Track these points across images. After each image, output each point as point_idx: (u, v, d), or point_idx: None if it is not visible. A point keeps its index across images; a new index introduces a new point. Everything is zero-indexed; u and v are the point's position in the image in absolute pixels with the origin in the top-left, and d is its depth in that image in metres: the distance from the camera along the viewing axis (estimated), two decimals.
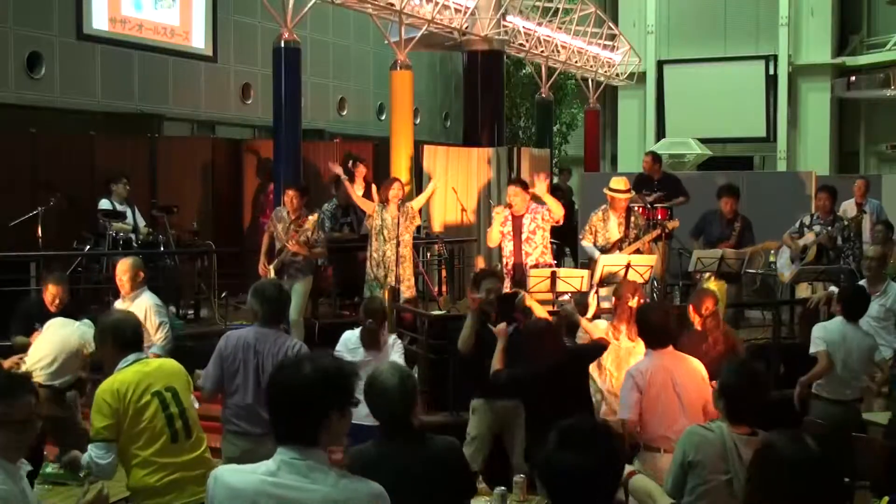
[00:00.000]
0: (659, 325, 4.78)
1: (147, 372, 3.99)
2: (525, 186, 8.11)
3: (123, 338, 4.06)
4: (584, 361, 5.42)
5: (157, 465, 3.90)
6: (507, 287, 7.78)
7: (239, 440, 4.70)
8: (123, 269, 6.04)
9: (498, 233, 8.02)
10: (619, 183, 8.42)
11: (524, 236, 7.90)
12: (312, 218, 8.19)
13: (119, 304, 6.11)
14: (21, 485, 3.12)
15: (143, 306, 5.92)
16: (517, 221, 7.94)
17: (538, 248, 7.91)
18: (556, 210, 7.94)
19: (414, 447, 3.33)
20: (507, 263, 8.03)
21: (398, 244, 8.38)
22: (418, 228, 9.62)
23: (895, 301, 6.52)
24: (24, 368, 5.75)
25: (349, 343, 5.83)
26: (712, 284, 6.35)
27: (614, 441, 2.34)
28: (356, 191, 9.44)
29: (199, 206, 11.67)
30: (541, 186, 7.91)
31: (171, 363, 4.23)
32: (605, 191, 8.38)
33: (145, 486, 3.90)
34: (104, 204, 9.28)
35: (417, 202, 9.04)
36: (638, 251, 8.06)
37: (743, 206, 9.16)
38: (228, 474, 2.53)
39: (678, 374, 4.65)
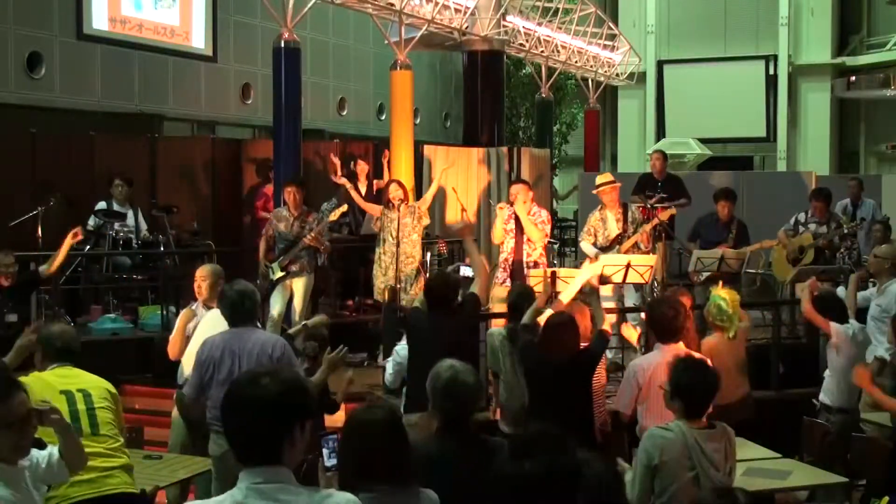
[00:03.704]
0: (665, 319, 4.76)
1: (63, 374, 4.08)
2: (529, 186, 8.17)
3: (52, 348, 4.17)
4: (595, 362, 5.36)
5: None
6: (506, 283, 7.84)
7: (221, 439, 4.69)
8: (203, 274, 5.89)
9: (502, 230, 8.08)
10: (601, 178, 8.51)
11: (526, 237, 7.97)
12: (340, 210, 8.42)
13: (200, 310, 5.89)
14: (24, 487, 3.10)
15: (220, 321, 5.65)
16: (519, 220, 8.01)
17: (537, 249, 7.99)
18: (536, 236, 7.96)
19: (471, 447, 3.28)
20: (506, 260, 8.08)
21: (398, 244, 8.43)
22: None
23: (890, 302, 6.49)
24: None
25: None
26: (722, 292, 6.11)
27: (571, 450, 2.32)
28: (361, 189, 9.67)
29: (199, 206, 11.66)
30: (521, 209, 7.94)
31: (95, 378, 4.20)
32: (594, 192, 8.45)
33: None
34: (101, 204, 9.28)
35: (425, 201, 9.04)
36: (636, 245, 8.08)
37: (743, 206, 9.16)
38: None
39: None
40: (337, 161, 10.05)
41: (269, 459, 2.32)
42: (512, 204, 8.03)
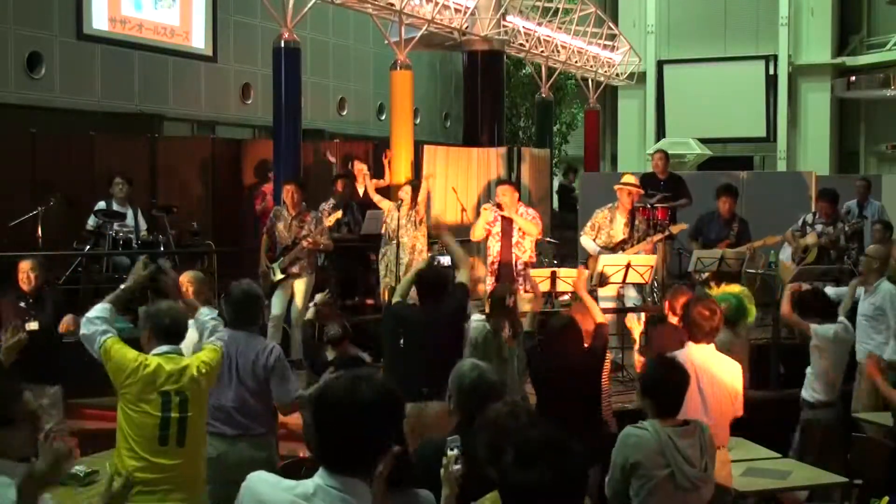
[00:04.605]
0: (701, 318, 4.73)
1: (167, 370, 3.96)
2: (515, 186, 8.18)
3: (161, 327, 4.06)
4: (600, 359, 5.35)
5: (138, 457, 3.91)
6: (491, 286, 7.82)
7: (214, 441, 4.63)
8: (189, 279, 5.69)
9: (482, 229, 8.04)
10: (629, 177, 8.55)
11: (514, 239, 7.91)
12: (335, 216, 8.35)
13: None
14: None
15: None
16: (506, 223, 7.95)
17: (527, 252, 7.96)
18: (533, 230, 7.96)
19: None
20: (492, 263, 8.05)
21: (398, 245, 8.44)
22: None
23: (884, 299, 6.52)
24: None
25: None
26: (728, 289, 6.01)
27: (575, 453, 2.29)
28: (359, 189, 9.71)
29: (199, 206, 11.66)
30: (511, 213, 7.92)
31: (196, 364, 4.07)
32: (617, 186, 8.39)
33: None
34: (100, 204, 9.27)
35: (419, 210, 8.95)
36: (639, 254, 8.08)
37: (743, 206, 9.15)
38: (261, 485, 2.37)
39: (706, 373, 4.60)
40: (332, 158, 10.18)
41: (355, 472, 2.27)
42: (499, 206, 7.99)
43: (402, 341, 5.41)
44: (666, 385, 3.83)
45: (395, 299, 5.66)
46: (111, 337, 4.00)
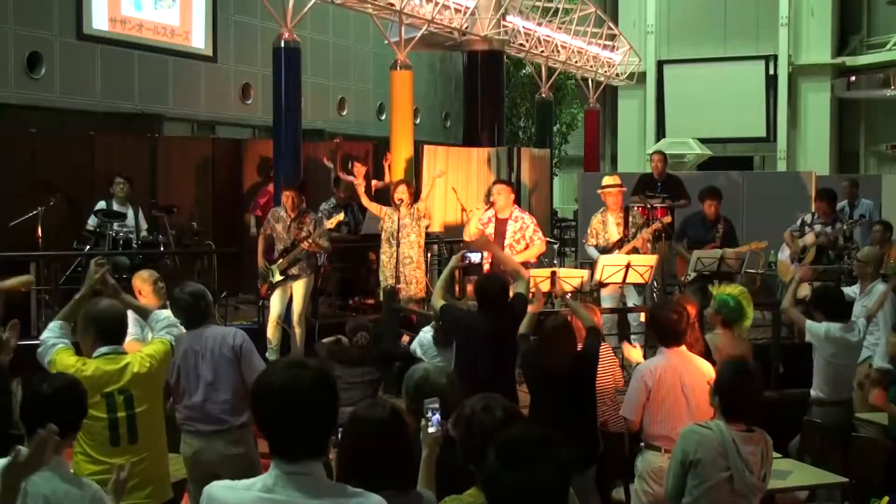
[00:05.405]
0: (670, 323, 4.76)
1: (107, 370, 3.90)
2: (511, 187, 8.17)
3: (97, 328, 4.00)
4: (593, 361, 5.33)
5: (94, 460, 3.89)
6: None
7: (191, 439, 4.69)
8: (145, 277, 5.65)
9: (475, 228, 7.97)
10: (608, 179, 8.58)
11: (507, 242, 7.81)
12: (336, 218, 8.33)
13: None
14: None
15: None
16: (500, 225, 7.88)
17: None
18: (537, 249, 7.97)
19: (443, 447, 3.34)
20: (482, 264, 8.02)
21: (398, 245, 8.43)
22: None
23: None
24: None
25: (425, 344, 5.79)
26: (728, 289, 5.98)
27: (560, 453, 2.25)
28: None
29: (199, 206, 11.65)
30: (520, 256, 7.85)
31: (138, 361, 4.00)
32: (599, 191, 8.47)
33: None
34: (100, 204, 9.27)
35: (422, 201, 8.93)
36: (635, 249, 8.08)
37: (743, 206, 9.14)
38: (222, 491, 2.39)
39: (687, 374, 4.64)
40: (330, 164, 10.21)
41: (309, 455, 2.33)
42: (493, 204, 7.94)
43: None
44: (736, 389, 3.82)
45: (438, 302, 5.60)
46: (59, 347, 3.96)
